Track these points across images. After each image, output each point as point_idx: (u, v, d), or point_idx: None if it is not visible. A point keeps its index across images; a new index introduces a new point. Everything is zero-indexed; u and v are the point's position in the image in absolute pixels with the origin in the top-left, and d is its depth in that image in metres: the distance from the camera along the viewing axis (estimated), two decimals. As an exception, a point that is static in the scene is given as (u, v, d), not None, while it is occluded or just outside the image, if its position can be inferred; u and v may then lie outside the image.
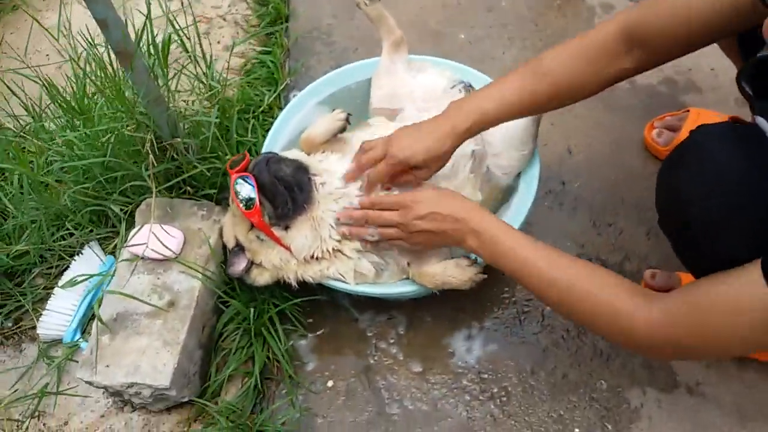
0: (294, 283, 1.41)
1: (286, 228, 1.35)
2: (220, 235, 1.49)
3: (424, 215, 1.28)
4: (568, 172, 1.78)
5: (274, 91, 1.90)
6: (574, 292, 1.14)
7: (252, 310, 1.48)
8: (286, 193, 1.33)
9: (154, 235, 1.40)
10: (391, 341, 1.56)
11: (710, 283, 1.02)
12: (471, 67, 1.71)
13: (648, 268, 1.59)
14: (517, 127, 1.48)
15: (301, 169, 1.38)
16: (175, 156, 1.48)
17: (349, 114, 1.51)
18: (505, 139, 1.50)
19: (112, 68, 1.44)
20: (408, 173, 1.35)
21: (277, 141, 1.61)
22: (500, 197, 1.56)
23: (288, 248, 1.37)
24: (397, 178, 1.37)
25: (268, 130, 1.67)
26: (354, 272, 1.40)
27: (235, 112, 1.70)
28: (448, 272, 1.35)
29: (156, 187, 1.46)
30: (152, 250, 1.42)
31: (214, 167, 1.54)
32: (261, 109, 1.83)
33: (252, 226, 1.37)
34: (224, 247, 1.48)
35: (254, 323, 1.48)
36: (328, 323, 1.59)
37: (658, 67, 1.24)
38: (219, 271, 1.49)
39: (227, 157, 1.52)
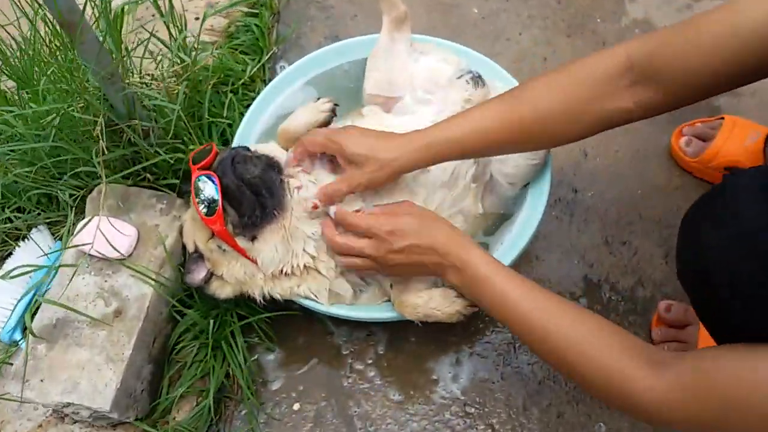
0: (260, 299, 1.23)
1: (253, 239, 1.16)
2: (181, 232, 1.30)
3: (401, 249, 1.09)
4: (581, 178, 1.58)
5: (258, 61, 1.68)
6: (571, 350, 0.97)
7: (212, 321, 1.30)
8: (254, 198, 1.14)
9: (101, 233, 1.21)
10: (369, 362, 1.39)
11: (737, 356, 0.84)
12: (483, 47, 1.50)
13: (663, 297, 1.42)
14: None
15: (272, 167, 1.18)
16: (133, 140, 1.28)
17: (336, 104, 1.31)
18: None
19: (66, 37, 1.22)
20: (343, 170, 1.16)
21: (254, 127, 1.40)
22: (503, 210, 1.37)
23: (254, 261, 1.18)
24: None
25: (248, 107, 1.47)
26: (329, 292, 1.22)
27: (209, 85, 1.48)
28: (432, 304, 1.17)
29: (110, 175, 1.27)
30: (97, 251, 1.23)
31: (178, 155, 1.34)
32: (242, 81, 1.62)
33: (213, 234, 1.18)
34: (184, 247, 1.29)
35: (213, 336, 1.31)
36: (299, 336, 1.42)
37: (668, 112, 1.02)
38: (176, 276, 1.31)
39: (192, 147, 1.32)
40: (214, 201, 1.13)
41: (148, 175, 1.37)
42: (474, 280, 1.05)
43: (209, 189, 1.14)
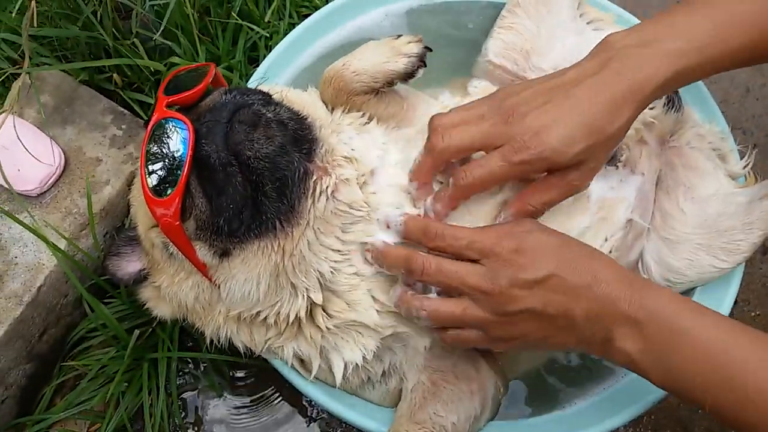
0: (210, 339, 0.73)
1: (224, 254, 0.65)
2: (130, 183, 0.81)
3: (535, 281, 0.60)
4: (753, 285, 1.04)
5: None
6: None
7: (137, 332, 0.82)
8: (247, 192, 0.63)
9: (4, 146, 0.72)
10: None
11: None
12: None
13: None
14: (735, 214, 0.76)
15: (299, 144, 0.65)
16: (102, 19, 0.77)
17: (427, 48, 0.77)
18: (701, 225, 0.78)
19: None
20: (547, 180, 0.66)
21: (295, 57, 0.88)
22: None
23: (216, 285, 0.68)
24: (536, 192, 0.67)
25: (305, 17, 0.95)
26: (321, 357, 0.72)
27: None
28: None
29: (52, 62, 0.77)
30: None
31: (171, 60, 0.83)
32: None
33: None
34: (129, 207, 0.79)
35: (134, 350, 0.83)
36: (266, 384, 0.93)
37: None
38: (105, 243, 0.82)
39: (183, 62, 0.80)
40: (175, 171, 0.62)
41: (116, 77, 0.86)
42: (666, 337, 0.57)
43: (175, 146, 0.63)
